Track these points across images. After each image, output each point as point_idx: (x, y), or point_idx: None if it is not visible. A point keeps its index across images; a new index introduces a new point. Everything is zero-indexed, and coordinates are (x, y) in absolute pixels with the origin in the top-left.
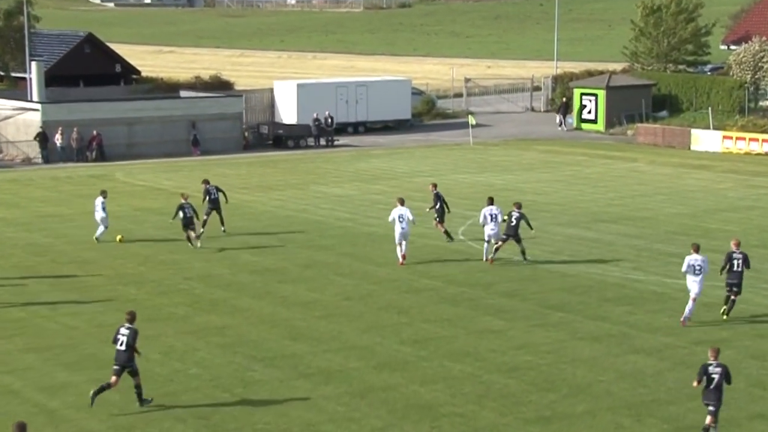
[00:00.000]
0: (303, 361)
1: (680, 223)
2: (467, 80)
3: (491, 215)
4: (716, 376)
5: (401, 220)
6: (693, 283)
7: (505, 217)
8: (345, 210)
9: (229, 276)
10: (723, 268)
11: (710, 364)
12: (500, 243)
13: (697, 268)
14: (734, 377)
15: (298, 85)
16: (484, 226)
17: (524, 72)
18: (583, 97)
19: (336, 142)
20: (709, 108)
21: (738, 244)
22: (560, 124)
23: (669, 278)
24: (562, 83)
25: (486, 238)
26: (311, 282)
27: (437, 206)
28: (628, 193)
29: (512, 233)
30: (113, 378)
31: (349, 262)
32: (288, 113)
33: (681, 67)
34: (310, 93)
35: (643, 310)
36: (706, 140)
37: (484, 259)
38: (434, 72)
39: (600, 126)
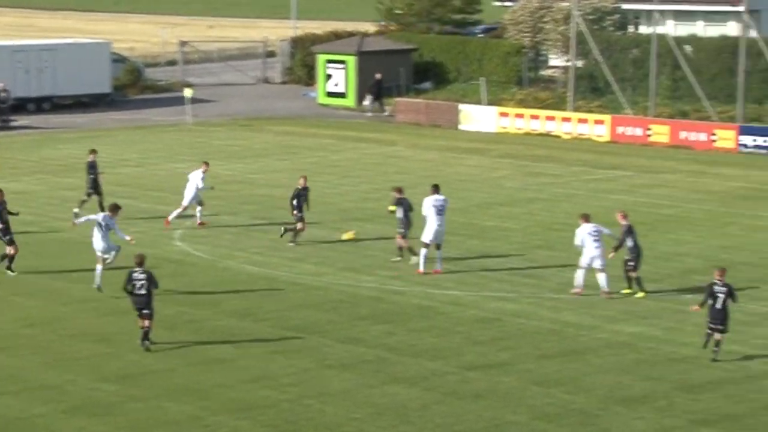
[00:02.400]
0: None
1: (449, 220)
2: (183, 44)
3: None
4: (721, 296)
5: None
6: (594, 257)
7: None
8: (27, 211)
9: None
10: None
11: (716, 283)
12: None
13: (595, 236)
14: (515, 407)
15: None
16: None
17: (255, 34)
18: (329, 65)
19: (13, 123)
20: (481, 79)
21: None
22: (370, 108)
23: (436, 288)
24: (303, 48)
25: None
26: None
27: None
28: (386, 184)
29: None
30: (141, 321)
31: (34, 279)
32: None
33: (447, 28)
34: None
35: (405, 329)
36: (478, 118)
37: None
38: (140, 33)
39: (350, 101)
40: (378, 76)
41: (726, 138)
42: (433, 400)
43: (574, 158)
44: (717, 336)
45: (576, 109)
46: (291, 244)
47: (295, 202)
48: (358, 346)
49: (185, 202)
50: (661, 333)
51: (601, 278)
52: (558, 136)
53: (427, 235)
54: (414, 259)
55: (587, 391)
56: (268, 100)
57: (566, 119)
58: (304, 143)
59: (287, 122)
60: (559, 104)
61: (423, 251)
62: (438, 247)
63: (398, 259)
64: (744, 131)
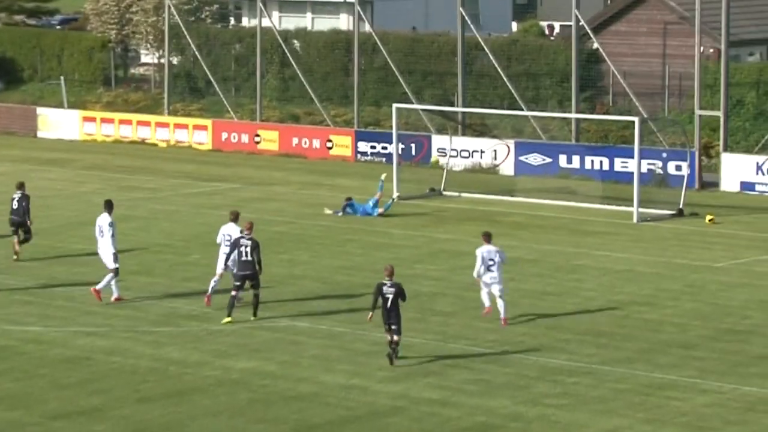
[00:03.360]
0: None
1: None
2: None
3: None
4: (390, 296)
5: (491, 264)
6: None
7: None
8: None
9: None
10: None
11: (384, 283)
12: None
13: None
14: None
15: None
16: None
17: None
18: None
19: None
20: (62, 78)
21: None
22: None
23: (14, 324)
24: None
25: None
26: None
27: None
28: None
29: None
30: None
31: None
32: None
33: (19, 18)
34: None
35: None
36: (59, 124)
37: None
38: None
39: None
40: None
41: (342, 145)
42: None
43: (173, 169)
44: (394, 337)
45: (173, 113)
46: None
47: None
48: None
49: None
50: (276, 368)
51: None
52: (154, 144)
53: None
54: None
55: None
56: None
57: (162, 125)
58: None
59: None
60: (153, 107)
61: None
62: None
63: None
64: (361, 137)
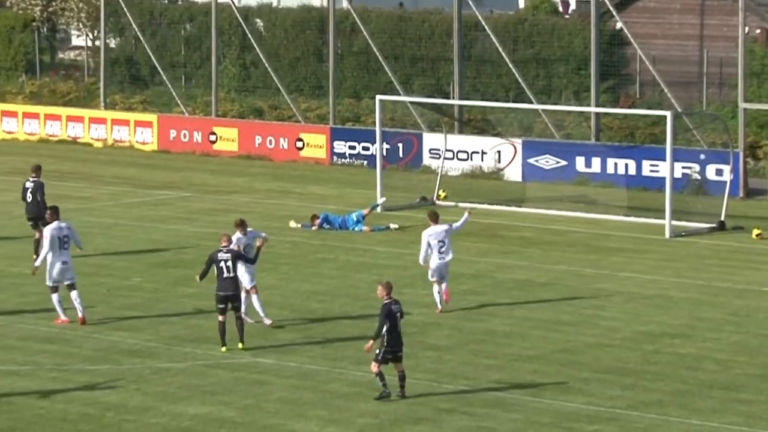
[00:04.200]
0: None
1: None
2: None
3: None
4: (399, 316)
5: (442, 248)
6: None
7: None
8: None
9: None
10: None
11: (393, 303)
12: None
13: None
14: None
15: None
16: None
17: None
18: None
19: None
20: None
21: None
22: None
23: None
24: None
25: None
26: None
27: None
28: None
29: None
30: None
31: None
32: None
33: None
34: None
35: None
36: None
37: None
38: None
39: None
40: None
41: (315, 145)
42: None
43: (111, 174)
44: (399, 368)
45: (110, 107)
46: None
47: None
48: None
49: None
50: (235, 414)
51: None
52: (88, 144)
53: None
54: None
55: None
56: None
57: (98, 120)
58: None
59: None
60: (87, 100)
61: None
62: None
63: None
64: (337, 135)
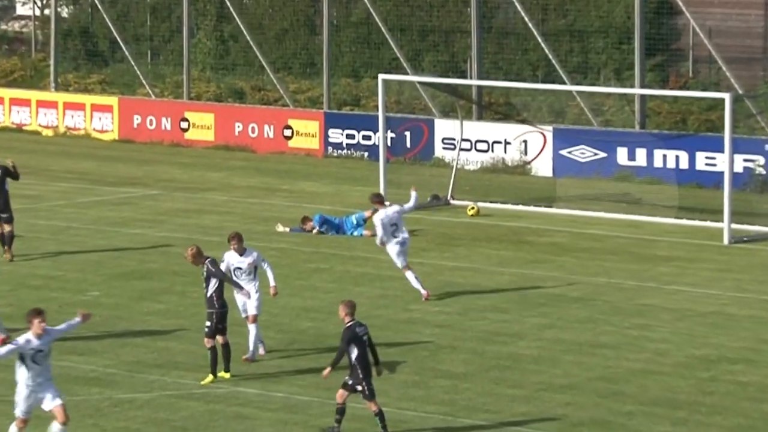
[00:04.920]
0: None
1: None
2: None
3: None
4: (366, 340)
5: (395, 230)
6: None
7: None
8: None
9: None
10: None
11: (356, 325)
12: None
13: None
14: None
15: None
16: None
17: None
18: None
19: None
20: None
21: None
22: None
23: None
24: None
25: None
26: None
27: None
28: None
29: None
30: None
31: None
32: None
33: None
34: None
35: None
36: None
37: None
38: None
39: None
40: None
41: (306, 133)
42: None
43: (64, 168)
44: (373, 406)
45: (63, 88)
46: None
47: None
48: None
49: None
50: None
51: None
52: (35, 133)
53: None
54: None
55: None
56: None
57: (47, 104)
58: None
59: None
60: (35, 79)
61: None
62: None
63: None
64: (333, 122)
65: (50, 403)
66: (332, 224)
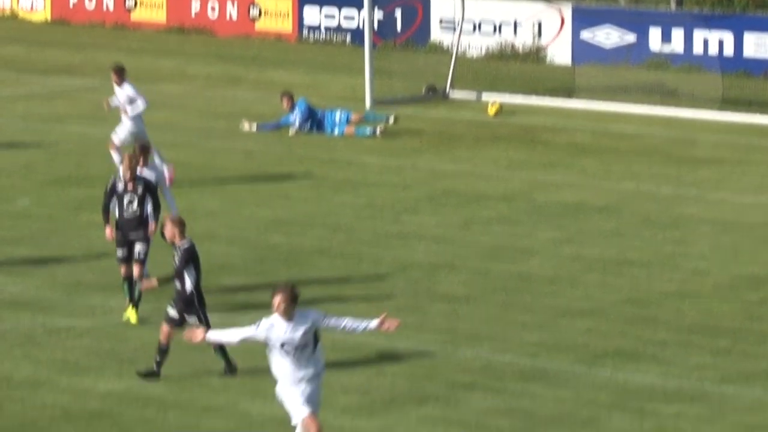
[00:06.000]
0: None
1: None
2: None
3: None
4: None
5: None
6: None
7: None
8: None
9: None
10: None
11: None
12: None
13: None
14: None
15: None
16: None
17: None
18: None
19: None
20: None
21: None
22: None
23: None
24: None
25: None
26: None
27: None
28: None
29: None
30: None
31: None
32: None
33: None
34: None
35: None
36: None
37: None
38: None
39: None
40: None
41: (276, 13)
42: None
43: None
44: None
45: None
46: None
47: None
48: None
49: None
50: (166, 390)
51: None
52: None
53: None
54: None
55: None
56: None
57: None
58: None
59: None
60: None
61: None
62: None
63: None
64: None
65: None
66: (314, 118)
